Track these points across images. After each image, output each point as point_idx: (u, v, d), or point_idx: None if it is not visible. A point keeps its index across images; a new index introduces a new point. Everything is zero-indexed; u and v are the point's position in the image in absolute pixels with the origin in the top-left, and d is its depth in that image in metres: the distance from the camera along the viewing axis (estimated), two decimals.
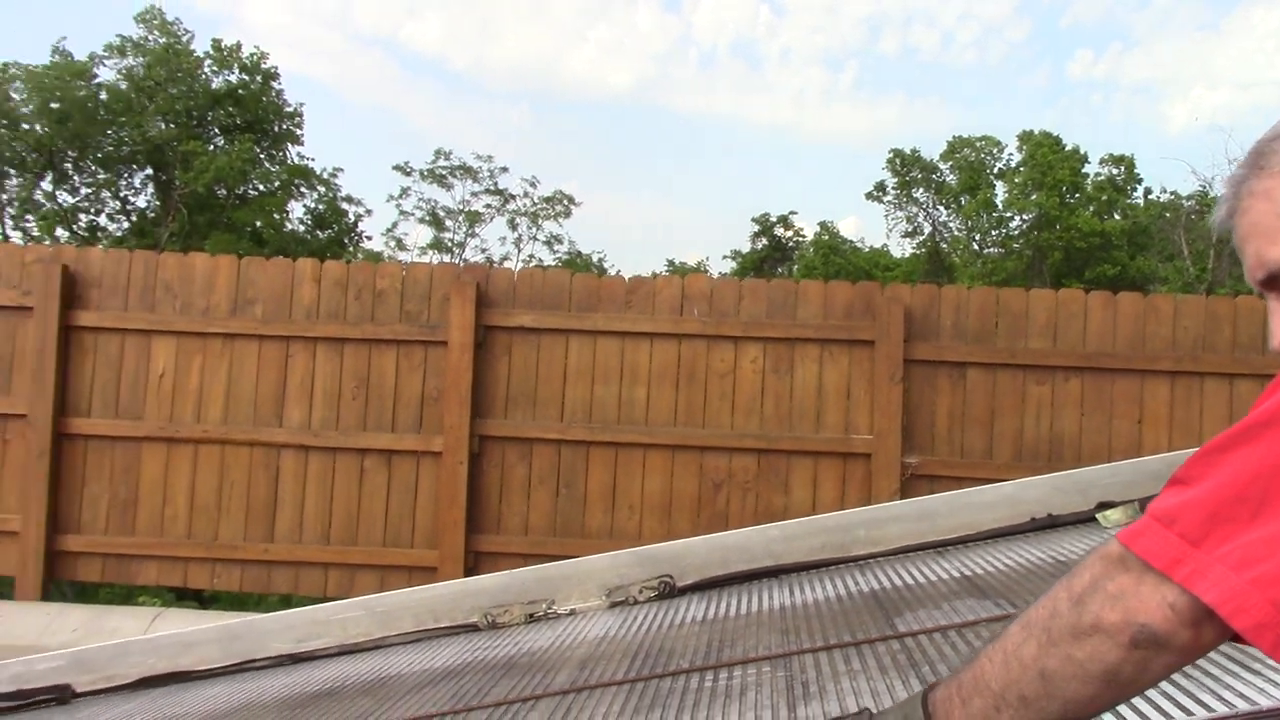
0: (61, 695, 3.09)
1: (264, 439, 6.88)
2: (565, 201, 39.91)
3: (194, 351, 6.98)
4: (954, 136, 42.86)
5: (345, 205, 35.36)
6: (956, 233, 42.68)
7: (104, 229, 31.91)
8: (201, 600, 7.00)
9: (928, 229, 43.61)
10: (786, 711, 1.53)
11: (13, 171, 30.86)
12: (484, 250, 39.71)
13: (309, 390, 6.91)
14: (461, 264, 7.24)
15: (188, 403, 6.95)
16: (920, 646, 1.83)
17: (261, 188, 32.57)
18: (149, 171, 32.15)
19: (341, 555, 6.74)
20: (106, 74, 31.50)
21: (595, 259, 40.90)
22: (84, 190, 32.38)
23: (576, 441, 6.78)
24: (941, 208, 43.05)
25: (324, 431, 6.86)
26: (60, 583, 7.10)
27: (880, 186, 43.56)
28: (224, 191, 31.26)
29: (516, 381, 6.85)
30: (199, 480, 6.91)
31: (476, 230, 39.44)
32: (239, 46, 33.32)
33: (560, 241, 40.23)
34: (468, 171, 38.83)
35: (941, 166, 42.68)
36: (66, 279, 7.02)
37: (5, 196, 31.33)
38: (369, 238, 37.26)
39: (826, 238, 42.66)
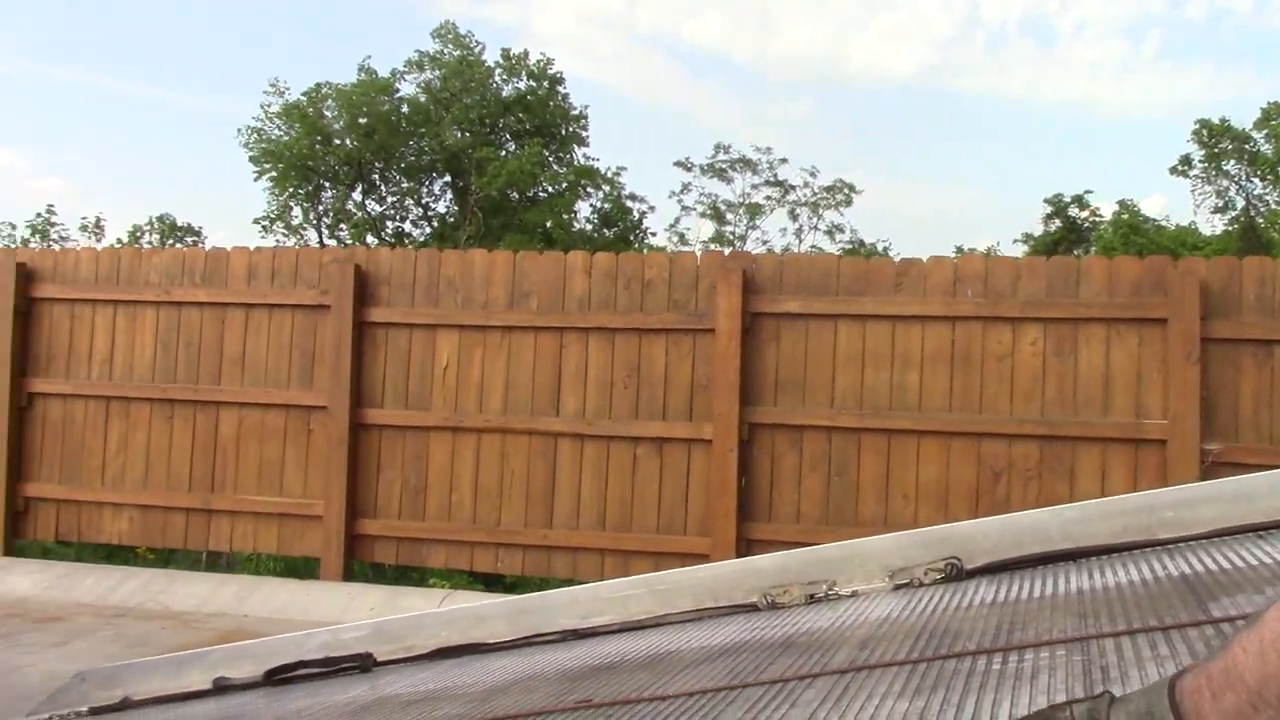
0: (364, 663, 3.23)
1: (541, 428, 7.09)
2: (846, 190, 39.33)
3: (475, 344, 7.26)
4: (1269, 103, 39.53)
5: (629, 203, 36.14)
6: (1275, 205, 39.48)
7: (409, 235, 33.88)
8: (487, 584, 7.30)
9: (1240, 203, 40.56)
10: (1084, 696, 1.42)
11: (327, 184, 33.29)
12: (765, 242, 39.62)
13: (583, 379, 7.07)
14: (728, 252, 7.22)
15: (470, 393, 7.24)
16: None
17: (550, 189, 33.73)
18: (447, 178, 33.98)
19: (617, 541, 6.86)
20: (407, 88, 33.53)
21: (880, 248, 40.10)
22: (390, 199, 34.56)
23: (847, 428, 6.66)
24: (1256, 180, 39.91)
25: (598, 420, 7.00)
26: (360, 564, 7.54)
27: (1185, 160, 40.77)
28: (516, 194, 32.58)
29: (785, 368, 6.80)
30: (482, 468, 7.19)
31: (757, 222, 39.40)
32: (526, 55, 34.64)
33: (841, 231, 39.64)
34: (747, 164, 38.87)
35: (1255, 136, 39.50)
36: (359, 278, 7.45)
37: (321, 208, 33.81)
38: (653, 234, 37.87)
39: (1126, 217, 40.25)
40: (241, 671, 3.45)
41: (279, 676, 3.28)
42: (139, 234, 33.53)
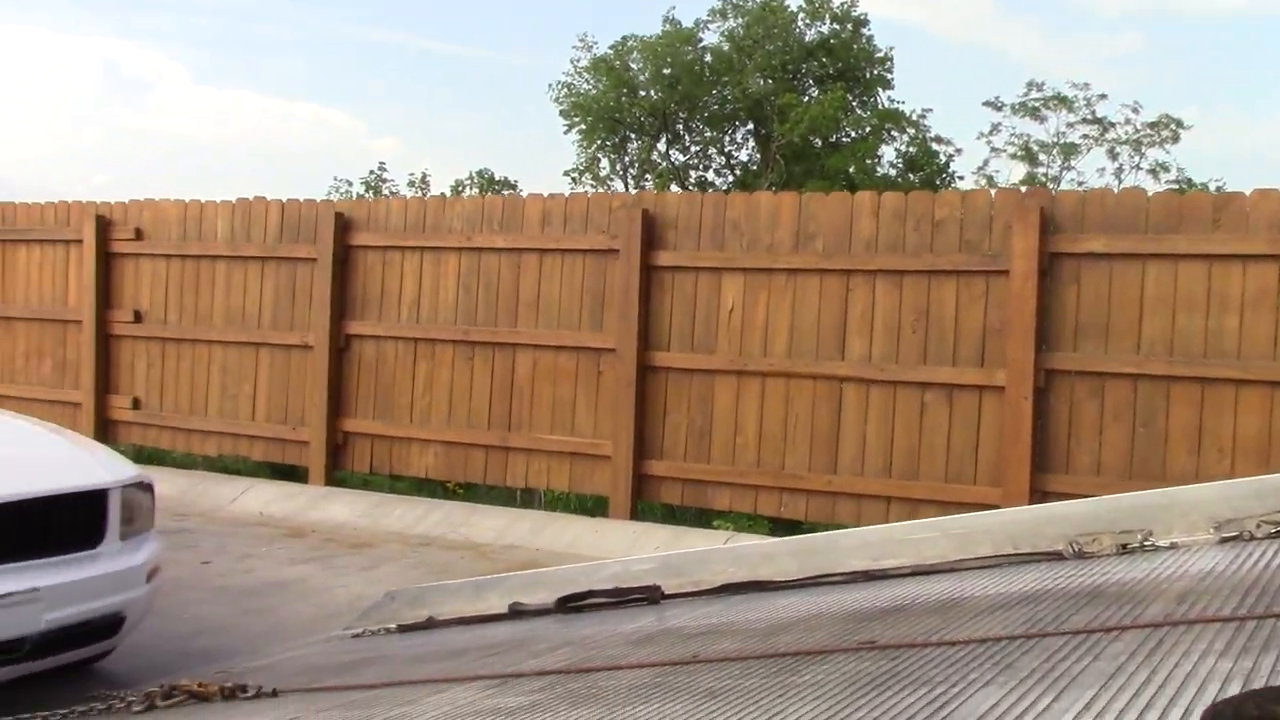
0: (652, 595, 3.32)
1: (826, 372, 7.00)
2: (1173, 126, 36.59)
3: (760, 287, 7.24)
4: None
5: (935, 146, 35.05)
6: None
7: (711, 184, 34.29)
8: (771, 529, 7.32)
9: None
10: None
11: (633, 135, 34.15)
12: (1080, 183, 37.52)
13: (869, 323, 6.93)
14: (1025, 190, 6.87)
15: (755, 336, 7.24)
16: None
17: (853, 134, 33.22)
18: (750, 126, 34.11)
19: (903, 489, 6.72)
20: (710, 37, 33.72)
21: (1213, 188, 37.21)
22: (693, 148, 35.05)
23: (1155, 376, 6.24)
24: None
25: (884, 364, 6.86)
26: (646, 503, 7.71)
27: None
28: (818, 141, 32.30)
29: (1086, 312, 6.43)
30: (766, 411, 7.18)
31: (1072, 163, 37.22)
32: None
33: (1167, 170, 36.85)
34: (1063, 102, 36.71)
35: None
36: (647, 222, 7.55)
37: (627, 159, 34.73)
38: (960, 177, 36.52)
39: None
40: (536, 597, 3.63)
41: (571, 604, 3.41)
42: (460, 188, 35.18)
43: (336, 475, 8.69)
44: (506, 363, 8.02)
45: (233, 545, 7.08)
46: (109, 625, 4.20)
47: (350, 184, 33.32)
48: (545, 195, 8.14)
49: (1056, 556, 2.69)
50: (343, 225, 8.67)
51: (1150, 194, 6.50)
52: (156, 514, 7.61)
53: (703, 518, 7.79)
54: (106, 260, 9.74)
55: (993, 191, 6.88)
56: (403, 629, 3.81)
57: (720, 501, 7.36)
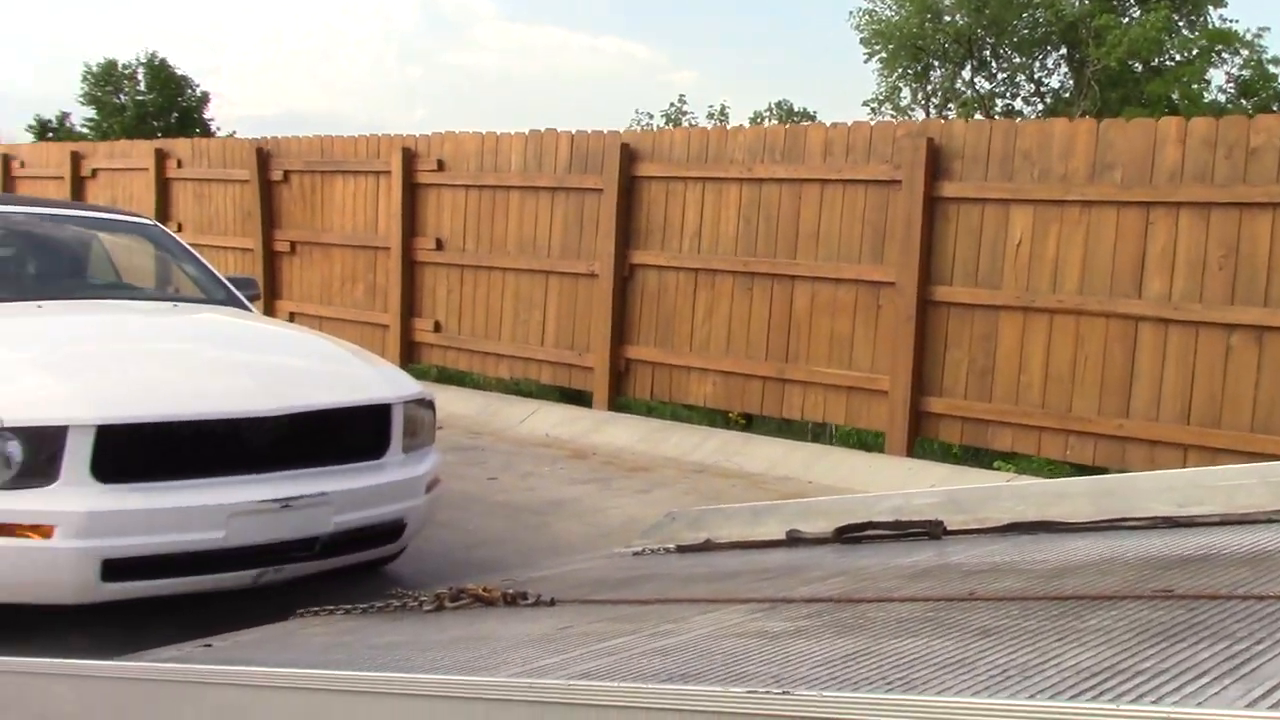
0: (933, 530, 3.25)
1: (1120, 310, 6.61)
2: None
3: (1050, 220, 6.89)
4: None
5: (1273, 69, 32.21)
6: None
7: (1019, 112, 32.87)
8: (1055, 474, 7.01)
9: None
10: None
11: (936, 63, 33.05)
12: None
13: (1170, 260, 6.48)
14: None
15: (1043, 272, 6.91)
16: None
17: (1177, 57, 30.97)
18: (1062, 51, 32.35)
19: (1202, 437, 6.29)
20: None
21: None
22: (1000, 75, 33.61)
23: None
24: None
25: (1185, 304, 6.40)
26: (924, 441, 7.54)
27: None
28: (1138, 65, 30.31)
29: None
30: (1053, 350, 6.87)
31: None
32: None
33: None
34: None
35: None
36: (931, 152, 7.31)
37: (930, 87, 33.73)
38: None
39: None
40: (813, 526, 3.63)
41: (848, 535, 3.39)
42: (758, 120, 35.16)
43: (619, 401, 8.95)
44: (785, 294, 7.99)
45: (518, 463, 7.44)
46: (391, 530, 4.52)
47: (651, 117, 33.84)
48: (828, 125, 8.00)
49: None
50: (628, 156, 8.83)
51: None
52: (453, 432, 8.09)
53: (982, 458, 7.56)
54: (412, 190, 10.32)
55: None
56: (680, 549, 3.90)
57: (1001, 442, 7.11)
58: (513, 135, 9.73)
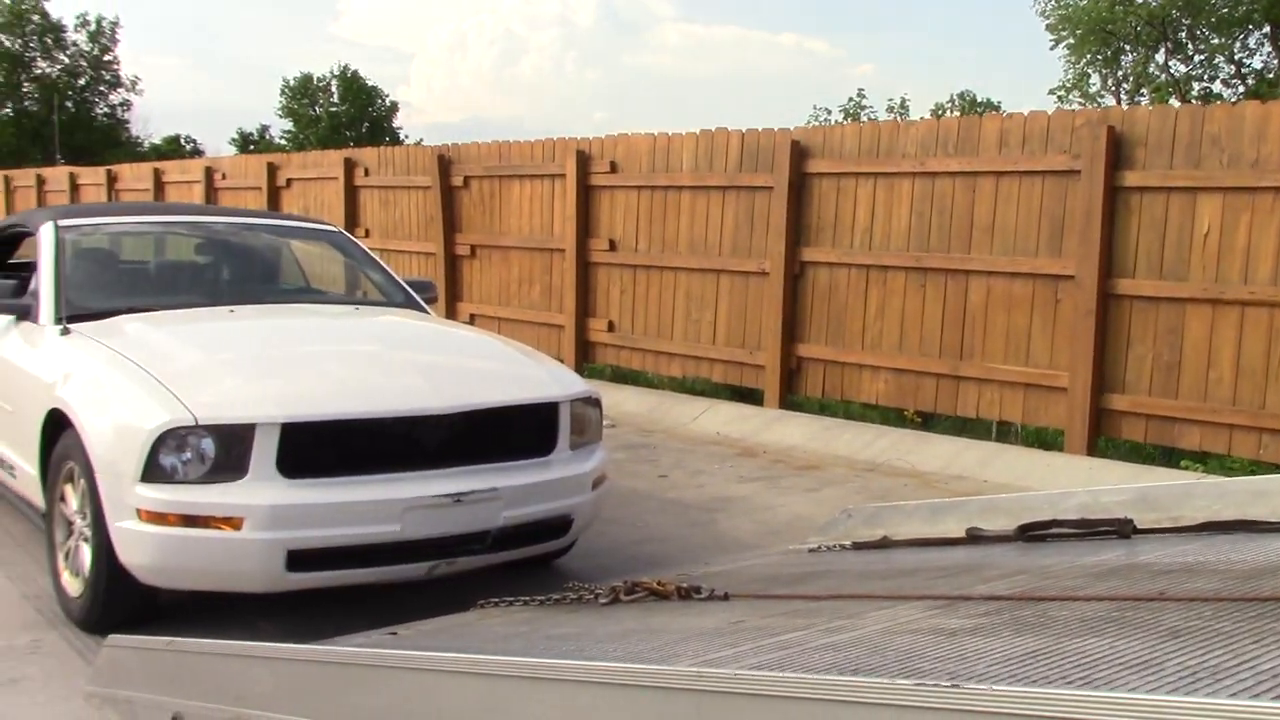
0: (1122, 529, 3.14)
1: None
2: None
3: (1241, 208, 6.57)
4: None
5: None
6: None
7: (1218, 96, 31.36)
8: (1249, 475, 6.66)
9: None
10: None
11: (1127, 47, 31.75)
12: None
13: None
14: None
15: (1234, 263, 6.60)
16: None
17: None
18: (1265, 30, 30.70)
19: None
20: None
21: None
22: (1196, 58, 32.10)
23: None
24: None
25: None
26: (1105, 440, 7.29)
27: None
28: None
29: None
30: (1245, 344, 6.55)
31: None
32: None
33: None
34: None
35: None
36: (1112, 140, 7.06)
37: (1120, 73, 32.46)
38: None
39: None
40: (995, 524, 3.55)
41: (1032, 533, 3.29)
42: (940, 111, 34.50)
43: (790, 399, 8.92)
44: (959, 290, 7.83)
45: (688, 461, 7.50)
46: (559, 526, 4.62)
47: (829, 113, 33.50)
48: (1003, 115, 7.81)
49: None
50: (798, 153, 8.79)
51: None
52: (626, 430, 8.21)
53: (1169, 457, 7.25)
54: (586, 192, 10.50)
55: None
56: (857, 546, 3.86)
57: (1189, 440, 6.81)
58: (684, 135, 9.80)
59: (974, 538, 3.51)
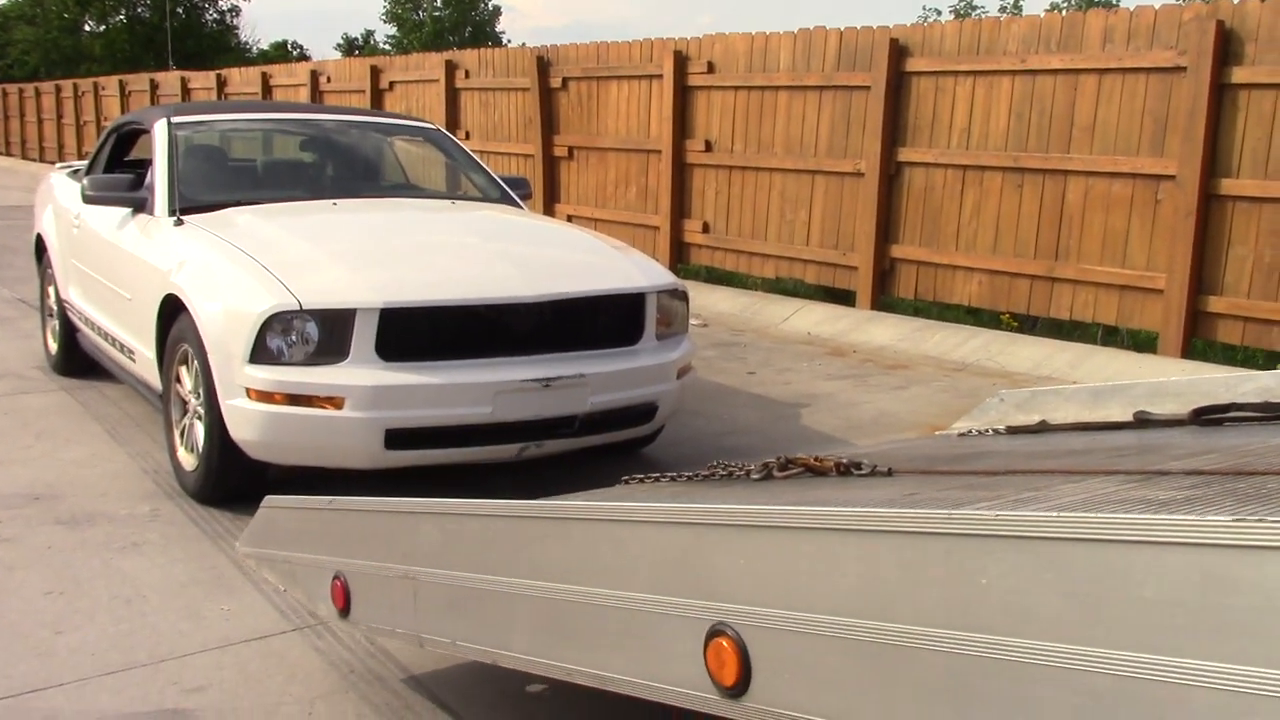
0: None
1: None
2: None
3: None
4: None
5: None
6: None
7: None
8: None
9: None
10: None
11: None
12: None
13: None
14: None
15: None
16: None
17: None
18: None
19: None
20: None
21: None
22: None
23: None
24: None
25: None
26: (1201, 342, 7.20)
27: None
28: None
29: None
30: None
31: None
32: None
33: None
34: None
35: None
36: (1220, 35, 6.87)
37: None
38: None
39: None
40: (1163, 409, 3.44)
41: (1208, 416, 3.14)
42: (1054, 8, 33.24)
43: (883, 300, 8.93)
44: (1056, 190, 7.73)
45: (777, 360, 7.59)
46: (643, 412, 4.77)
47: (939, 14, 32.62)
48: (1108, 11, 7.61)
49: None
50: (897, 51, 8.69)
51: None
52: (717, 329, 8.32)
53: (1267, 361, 7.14)
54: (682, 93, 10.50)
55: None
56: (1011, 430, 3.71)
57: None
58: (781, 35, 9.72)
59: (1142, 422, 3.36)
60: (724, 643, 1.83)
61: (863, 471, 2.75)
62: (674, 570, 1.95)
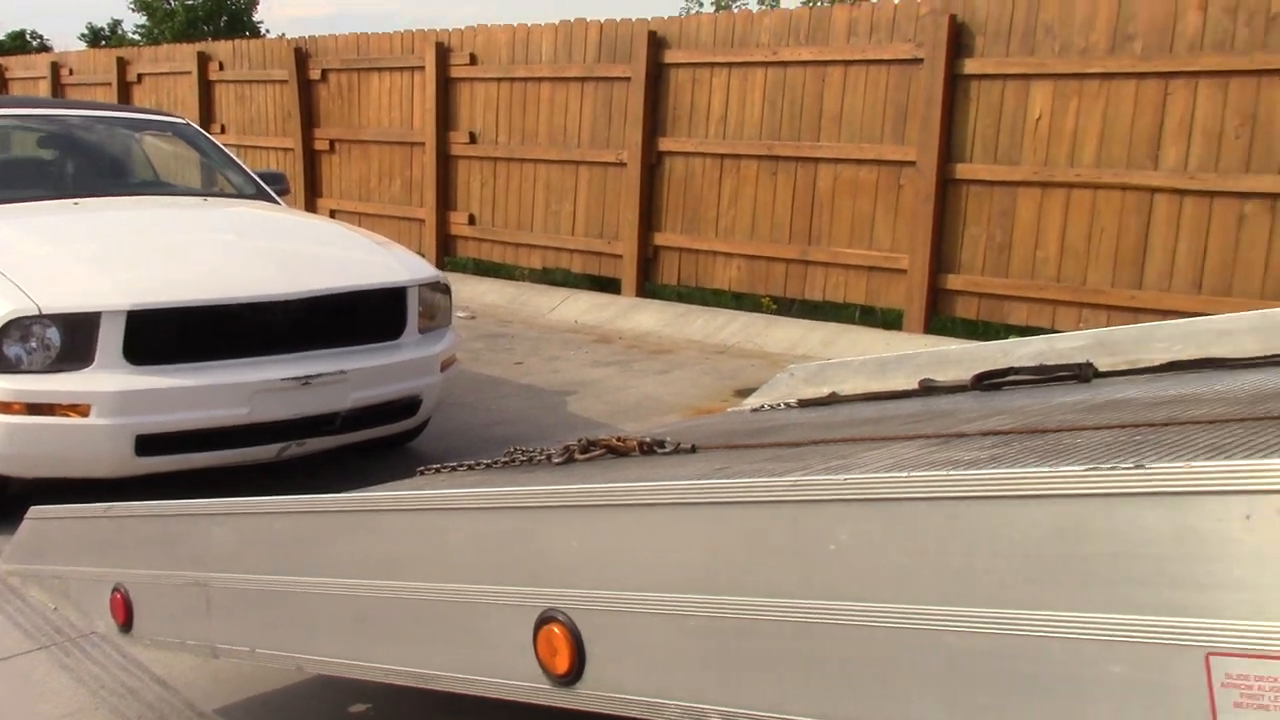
0: (1082, 373, 3.09)
1: (1136, 182, 6.63)
2: None
3: (1070, 94, 6.88)
4: None
5: None
6: None
7: None
8: None
9: None
10: None
11: None
12: None
13: (1187, 130, 6.46)
14: None
15: (1062, 146, 6.92)
16: None
17: None
18: None
19: (1211, 305, 6.31)
20: None
21: None
22: None
23: None
24: None
25: (1200, 174, 6.41)
26: (940, 318, 7.64)
27: None
28: None
29: None
30: (1070, 224, 6.91)
31: None
32: None
33: None
34: None
35: None
36: (953, 28, 7.29)
37: None
38: None
39: None
40: (946, 376, 3.53)
41: (989, 381, 3.22)
42: (811, 1, 34.36)
43: (647, 287, 9.10)
44: (808, 177, 8.06)
45: (544, 349, 7.65)
46: (407, 406, 4.75)
47: (701, 5, 33.25)
48: (852, 5, 7.97)
49: None
50: (655, 43, 8.86)
51: None
52: (485, 321, 8.32)
53: (999, 335, 7.63)
54: (445, 85, 10.43)
55: None
56: (803, 404, 3.74)
57: (1016, 316, 7.19)
58: (543, 26, 9.77)
59: (928, 389, 3.45)
60: (555, 629, 1.77)
61: (667, 450, 2.71)
62: (499, 557, 1.87)
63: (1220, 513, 1.22)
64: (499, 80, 10.04)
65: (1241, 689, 1.21)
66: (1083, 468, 1.29)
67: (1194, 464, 1.25)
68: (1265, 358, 2.88)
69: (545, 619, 1.78)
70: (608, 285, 9.44)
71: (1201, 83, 6.41)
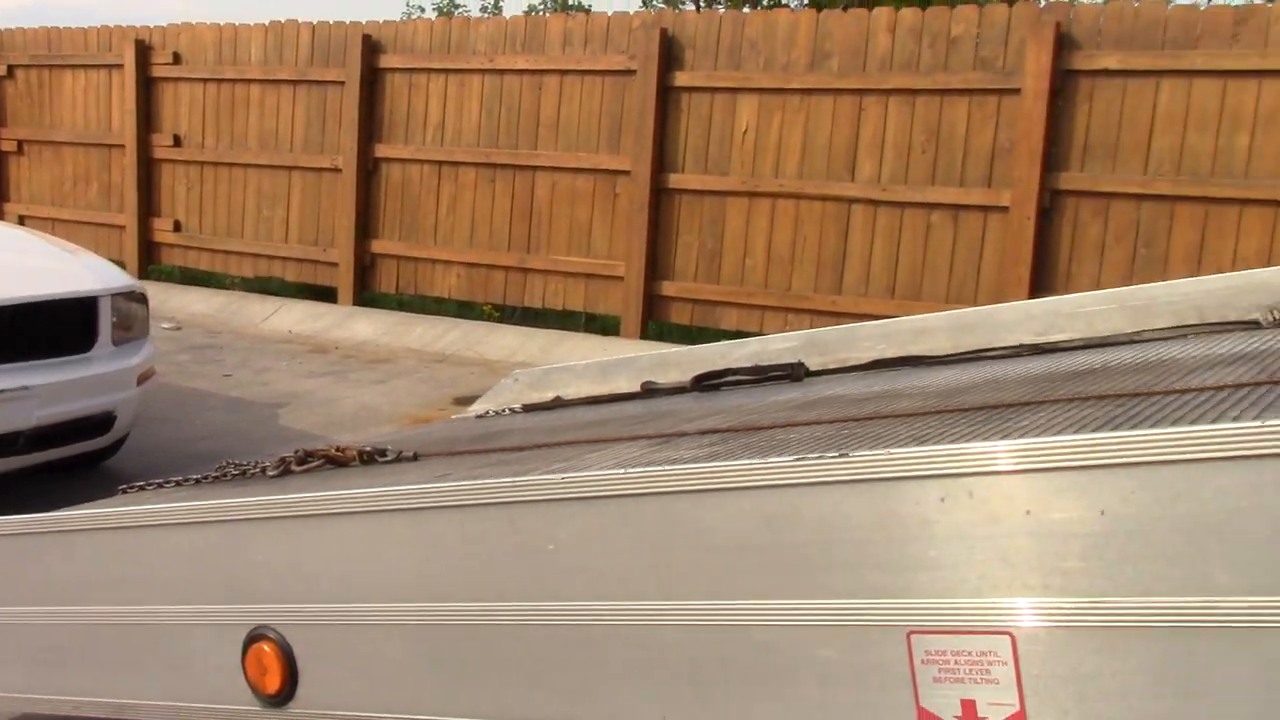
0: (794, 372, 3.23)
1: (835, 193, 6.97)
2: None
3: (774, 108, 7.16)
4: None
5: None
6: None
7: (782, 3, 32.88)
8: None
9: None
10: None
11: None
12: None
13: (879, 144, 6.85)
14: (1044, 3, 6.67)
15: (768, 158, 7.20)
16: None
17: None
18: None
19: (903, 308, 6.69)
20: None
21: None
22: None
23: (1160, 196, 6.13)
24: None
25: (892, 186, 6.80)
26: (656, 323, 7.81)
27: None
28: None
29: (1096, 131, 6.29)
30: (775, 233, 7.19)
31: None
32: None
33: None
34: None
35: None
36: (664, 42, 7.46)
37: None
38: None
39: None
40: (667, 378, 3.61)
41: (707, 382, 3.32)
42: (533, 9, 34.40)
43: (365, 295, 8.90)
44: (526, 185, 8.08)
45: (256, 360, 7.36)
46: (100, 423, 4.46)
47: (422, 10, 32.86)
48: (567, 15, 8.06)
49: (1253, 325, 2.54)
50: (370, 48, 8.68)
51: (1172, 7, 6.24)
52: (192, 331, 7.92)
53: (717, 339, 7.86)
54: (147, 85, 9.88)
55: (1012, 6, 6.63)
56: (528, 409, 3.75)
57: (728, 321, 7.44)
58: (252, 26, 9.40)
59: (650, 391, 3.52)
60: (265, 647, 1.71)
61: (387, 458, 2.68)
62: (205, 575, 1.79)
63: (918, 496, 1.29)
64: (205, 81, 9.60)
65: (939, 664, 1.28)
66: (790, 458, 1.34)
67: (894, 450, 1.32)
68: (957, 355, 3.12)
69: (255, 637, 1.72)
70: (324, 294, 9.16)
71: (892, 100, 6.80)
